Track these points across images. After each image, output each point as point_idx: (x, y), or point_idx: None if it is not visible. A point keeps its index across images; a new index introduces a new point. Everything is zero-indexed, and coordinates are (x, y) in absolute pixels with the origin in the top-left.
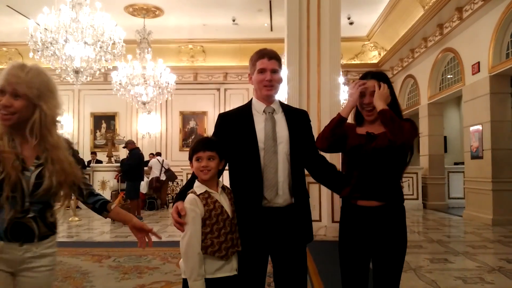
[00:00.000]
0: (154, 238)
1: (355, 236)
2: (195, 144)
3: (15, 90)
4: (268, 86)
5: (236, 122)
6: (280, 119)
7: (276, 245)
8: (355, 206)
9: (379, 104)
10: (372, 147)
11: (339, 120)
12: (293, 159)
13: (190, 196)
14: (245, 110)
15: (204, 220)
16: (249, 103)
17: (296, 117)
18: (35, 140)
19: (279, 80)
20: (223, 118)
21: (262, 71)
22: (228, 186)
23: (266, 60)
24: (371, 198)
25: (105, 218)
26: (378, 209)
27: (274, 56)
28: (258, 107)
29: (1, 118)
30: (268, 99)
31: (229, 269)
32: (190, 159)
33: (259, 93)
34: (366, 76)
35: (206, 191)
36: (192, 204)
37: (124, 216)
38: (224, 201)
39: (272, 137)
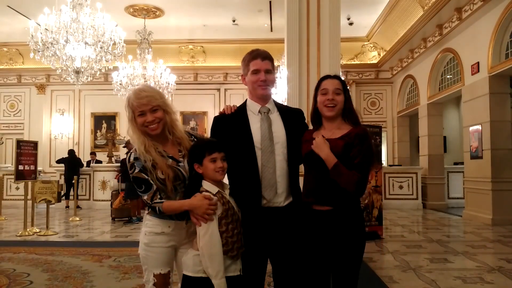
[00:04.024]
0: None
1: (311, 240)
2: (208, 145)
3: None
4: (262, 86)
5: (232, 123)
6: (276, 118)
7: (276, 244)
8: (311, 209)
9: (323, 154)
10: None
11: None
12: (290, 158)
13: (207, 195)
14: (240, 111)
15: (220, 220)
16: (244, 104)
17: (292, 117)
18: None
19: (273, 80)
20: (218, 121)
21: (256, 71)
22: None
23: (259, 60)
24: (324, 204)
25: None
26: (327, 213)
27: (267, 57)
28: (253, 108)
29: (151, 129)
30: (263, 99)
31: (234, 269)
32: (200, 160)
33: (253, 93)
34: (327, 77)
35: (218, 191)
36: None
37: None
38: (232, 201)
39: (269, 137)
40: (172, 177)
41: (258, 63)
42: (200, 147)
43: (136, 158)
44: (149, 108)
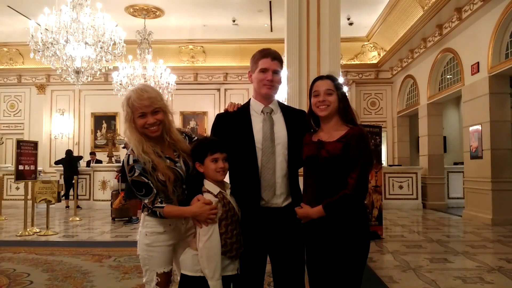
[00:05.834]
0: None
1: (312, 242)
2: (211, 145)
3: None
4: (268, 85)
5: (234, 122)
6: (279, 119)
7: (274, 244)
8: None
9: (313, 216)
10: (324, 157)
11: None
12: (291, 160)
13: (209, 196)
14: (243, 110)
15: (220, 221)
16: (247, 104)
17: (295, 117)
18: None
19: (279, 81)
20: (220, 119)
21: (264, 70)
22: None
23: (269, 60)
24: None
25: None
26: (328, 216)
27: (277, 57)
28: (256, 107)
29: (152, 131)
30: (267, 99)
31: (232, 268)
32: (202, 159)
33: (258, 92)
34: (319, 78)
35: (220, 192)
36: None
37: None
38: (233, 201)
39: (270, 138)
40: (173, 180)
41: (268, 62)
42: (203, 146)
43: (135, 160)
44: (150, 110)
